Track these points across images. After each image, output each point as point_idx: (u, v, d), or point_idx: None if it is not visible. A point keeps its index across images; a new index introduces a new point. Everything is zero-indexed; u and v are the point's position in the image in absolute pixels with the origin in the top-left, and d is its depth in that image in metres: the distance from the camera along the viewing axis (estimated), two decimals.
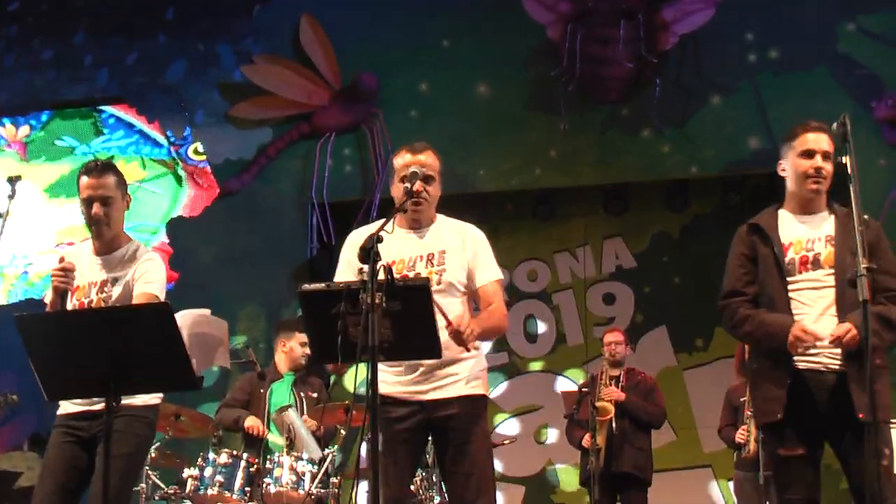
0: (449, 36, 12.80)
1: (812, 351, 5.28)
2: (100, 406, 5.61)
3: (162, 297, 5.80)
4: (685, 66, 12.28)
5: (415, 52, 12.78)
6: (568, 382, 12.32)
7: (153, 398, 5.99)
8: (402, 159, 5.65)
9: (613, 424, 9.45)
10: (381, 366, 5.34)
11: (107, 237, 6.03)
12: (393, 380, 5.49)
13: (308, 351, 8.68)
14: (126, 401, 5.49)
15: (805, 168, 5.51)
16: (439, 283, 5.49)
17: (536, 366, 12.90)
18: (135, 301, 5.75)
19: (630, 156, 12.30)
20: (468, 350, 5.33)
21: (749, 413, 9.11)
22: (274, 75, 13.06)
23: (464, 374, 5.50)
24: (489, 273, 5.68)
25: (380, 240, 4.78)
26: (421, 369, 5.46)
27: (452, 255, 5.60)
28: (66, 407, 5.85)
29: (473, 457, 5.41)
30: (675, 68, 12.26)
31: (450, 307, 5.35)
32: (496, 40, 12.55)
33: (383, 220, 5.56)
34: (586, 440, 9.42)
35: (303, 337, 8.84)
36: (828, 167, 5.50)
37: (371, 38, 12.83)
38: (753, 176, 12.02)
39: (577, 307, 12.96)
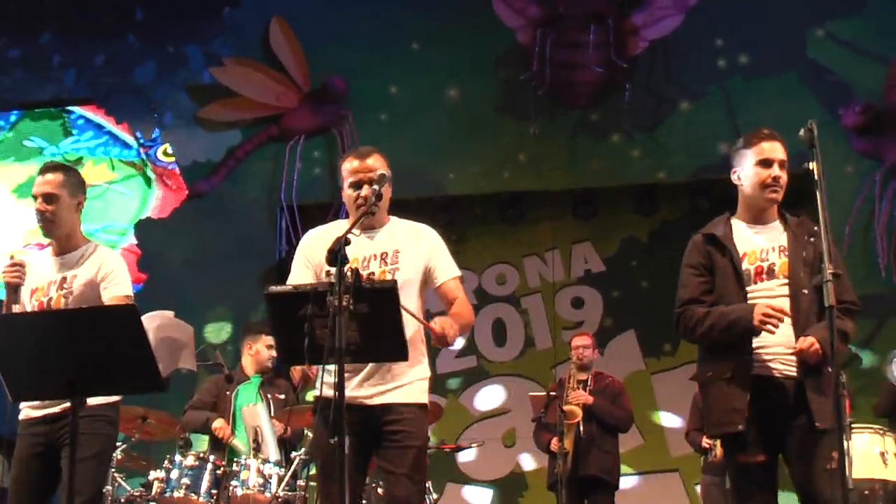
0: (419, 39, 12.80)
1: (765, 358, 5.29)
2: (60, 408, 5.65)
3: (131, 294, 5.85)
4: (655, 71, 12.33)
5: (385, 55, 12.77)
6: (536, 386, 12.31)
7: (113, 397, 5.95)
8: (348, 165, 5.64)
9: (581, 428, 9.45)
10: (329, 370, 5.38)
11: (56, 235, 6.01)
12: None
13: (274, 353, 8.70)
14: (89, 401, 5.47)
15: (764, 177, 5.49)
16: (394, 280, 5.46)
17: (505, 369, 12.90)
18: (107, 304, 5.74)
19: (599, 160, 12.34)
20: (450, 345, 5.38)
21: None
22: (243, 77, 13.04)
23: (407, 381, 5.48)
24: (448, 271, 5.67)
25: (347, 242, 4.78)
26: (362, 374, 5.43)
27: (406, 254, 5.59)
28: (27, 412, 5.84)
29: (413, 459, 5.41)
30: (645, 73, 12.30)
31: (407, 305, 5.34)
32: (466, 44, 12.57)
33: (339, 221, 5.60)
34: (554, 444, 9.42)
35: (269, 339, 8.83)
36: (784, 176, 5.50)
37: (341, 41, 12.82)
38: (723, 181, 11.87)
39: (545, 311, 12.98)
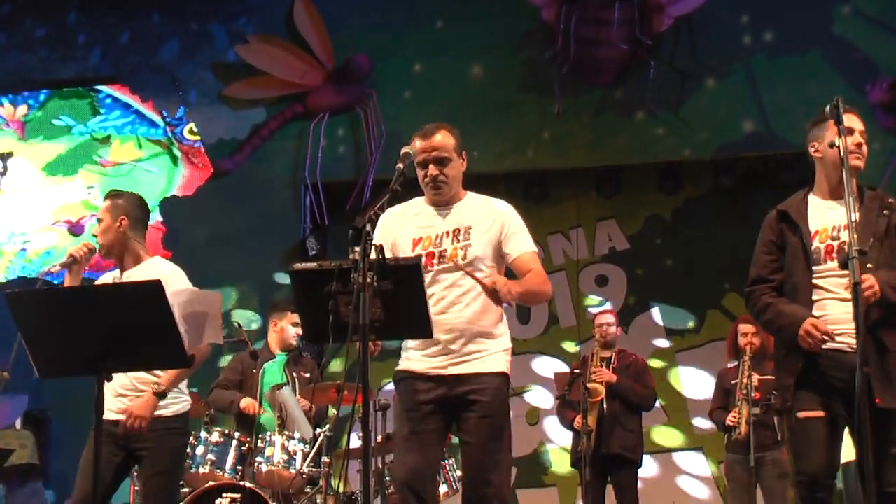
0: (443, 17, 12.78)
1: (839, 330, 5.24)
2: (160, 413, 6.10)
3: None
4: (680, 48, 12.27)
5: (408, 34, 12.77)
6: (560, 364, 12.33)
7: (182, 405, 6.33)
8: (415, 144, 5.63)
9: (604, 406, 9.45)
10: (407, 343, 5.54)
11: (111, 257, 6.42)
12: (417, 356, 5.52)
13: (300, 331, 8.73)
14: (156, 412, 6.00)
15: (848, 145, 5.41)
16: (464, 258, 5.50)
17: (529, 347, 12.91)
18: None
19: (624, 138, 12.30)
20: (508, 304, 5.47)
21: (741, 396, 9.12)
22: (267, 55, 13.04)
23: (487, 352, 5.52)
24: (522, 245, 5.66)
25: (371, 220, 4.79)
26: (442, 345, 5.45)
27: (478, 231, 5.59)
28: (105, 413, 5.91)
29: (493, 430, 5.43)
30: (669, 51, 12.25)
31: (475, 284, 5.42)
32: (490, 22, 12.54)
33: (417, 199, 5.66)
34: (577, 421, 9.43)
35: (294, 317, 8.85)
36: (865, 146, 5.48)
37: (365, 19, 12.82)
38: (747, 159, 12.04)
39: (569, 289, 12.97)
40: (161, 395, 6.06)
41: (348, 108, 12.82)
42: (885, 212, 5.34)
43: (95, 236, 6.33)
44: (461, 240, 5.57)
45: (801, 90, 11.17)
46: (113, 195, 6.45)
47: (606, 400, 9.44)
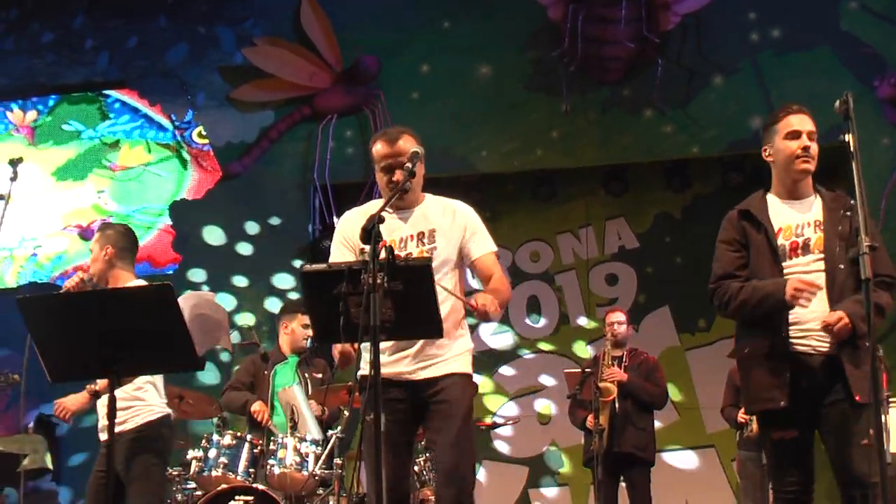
0: (450, 17, 12.77)
1: (800, 334, 5.29)
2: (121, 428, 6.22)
3: None
4: (687, 45, 12.26)
5: (416, 34, 12.77)
6: (571, 363, 12.32)
7: (150, 414, 6.50)
8: (378, 148, 5.64)
9: (616, 405, 9.46)
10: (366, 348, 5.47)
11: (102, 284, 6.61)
12: (383, 360, 5.51)
13: (310, 332, 8.74)
14: (121, 427, 6.18)
15: (793, 149, 5.49)
16: (428, 257, 5.49)
17: (540, 347, 12.91)
18: None
19: (632, 136, 12.29)
20: (492, 320, 5.47)
21: None
22: (275, 58, 13.05)
23: (450, 354, 5.58)
24: (484, 245, 5.72)
25: (381, 220, 4.79)
26: (408, 350, 5.52)
27: (442, 233, 5.63)
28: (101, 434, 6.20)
29: (457, 428, 5.47)
30: (676, 48, 12.24)
31: (446, 283, 5.43)
32: (497, 21, 12.54)
33: (375, 201, 5.62)
34: (589, 421, 9.43)
35: (305, 319, 8.87)
36: (814, 147, 5.49)
37: (372, 20, 12.82)
38: (755, 156, 11.88)
39: (579, 288, 12.97)
40: (95, 394, 6.34)
41: (356, 110, 12.82)
42: (846, 213, 5.35)
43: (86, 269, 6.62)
44: (426, 243, 5.62)
45: (810, 86, 11.14)
46: (102, 227, 6.79)
47: (618, 399, 9.45)
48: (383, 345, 5.46)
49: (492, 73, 12.58)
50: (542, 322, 12.96)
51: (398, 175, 5.53)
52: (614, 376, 9.52)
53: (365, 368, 5.50)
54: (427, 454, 8.52)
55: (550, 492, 12.52)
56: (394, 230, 5.57)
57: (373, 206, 5.71)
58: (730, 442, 10.67)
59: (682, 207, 12.83)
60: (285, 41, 13.06)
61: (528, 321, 12.93)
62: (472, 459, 5.62)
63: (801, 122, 5.53)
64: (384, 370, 5.45)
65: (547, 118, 12.37)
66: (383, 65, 12.77)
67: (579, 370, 9.75)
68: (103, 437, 6.13)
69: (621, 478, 9.64)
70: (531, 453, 12.54)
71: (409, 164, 5.33)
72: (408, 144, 5.60)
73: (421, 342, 5.50)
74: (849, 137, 5.06)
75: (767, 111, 11.66)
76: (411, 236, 5.63)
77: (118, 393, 6.15)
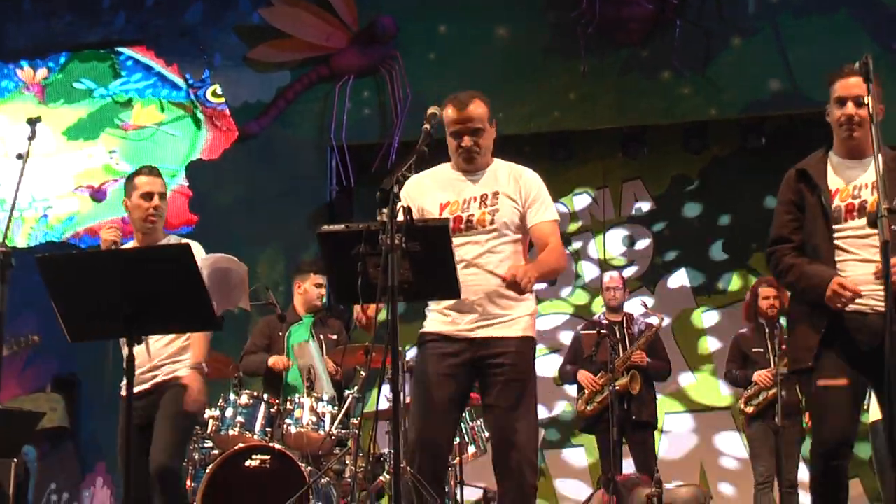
0: None
1: (863, 291, 5.21)
2: (151, 384, 6.39)
3: None
4: (706, 7, 12.18)
5: None
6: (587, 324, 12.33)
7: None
8: (448, 114, 5.64)
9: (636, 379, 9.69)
10: (431, 307, 5.59)
11: (158, 231, 6.56)
12: (442, 319, 5.55)
13: (323, 292, 8.81)
14: (166, 376, 6.36)
15: (837, 116, 5.46)
16: (492, 223, 5.54)
17: (555, 308, 12.92)
18: None
19: (650, 98, 12.24)
20: (527, 293, 5.40)
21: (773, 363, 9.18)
22: (292, 17, 13.00)
23: (514, 315, 5.54)
24: (544, 213, 5.68)
25: (399, 182, 4.79)
26: (467, 308, 5.49)
27: (506, 197, 5.62)
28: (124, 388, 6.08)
29: (519, 393, 5.47)
30: (695, 9, 12.16)
31: (501, 249, 5.46)
32: None
33: (442, 165, 5.72)
34: (588, 379, 9.73)
35: (318, 278, 8.93)
36: (861, 112, 5.41)
37: None
38: (774, 118, 11.96)
39: (596, 249, 12.96)
40: (199, 367, 6.36)
41: (373, 71, 12.79)
42: (882, 167, 5.30)
43: (157, 209, 6.49)
44: (489, 205, 5.60)
45: (828, 48, 11.08)
46: (158, 172, 6.66)
47: (635, 374, 9.65)
48: (444, 304, 5.50)
49: (510, 35, 12.53)
50: (558, 283, 12.95)
51: (467, 141, 5.56)
52: (636, 361, 9.70)
53: (425, 327, 5.58)
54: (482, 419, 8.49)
55: (566, 453, 12.54)
56: (459, 191, 5.60)
57: (441, 169, 5.78)
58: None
59: (699, 169, 12.79)
60: (303, 1, 13.01)
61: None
62: (534, 425, 5.58)
63: (845, 87, 5.44)
64: (443, 328, 5.48)
65: (565, 80, 12.32)
66: (401, 26, 12.73)
67: (595, 332, 9.77)
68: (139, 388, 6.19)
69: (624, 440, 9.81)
70: (546, 414, 12.56)
71: (426, 126, 5.29)
72: (478, 109, 5.63)
73: (484, 302, 5.47)
74: (867, 99, 5.04)
75: (786, 73, 11.67)
76: (474, 197, 5.62)
77: (168, 347, 6.40)
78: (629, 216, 12.98)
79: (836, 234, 5.35)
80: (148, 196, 6.45)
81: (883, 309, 5.12)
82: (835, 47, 11.04)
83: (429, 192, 5.62)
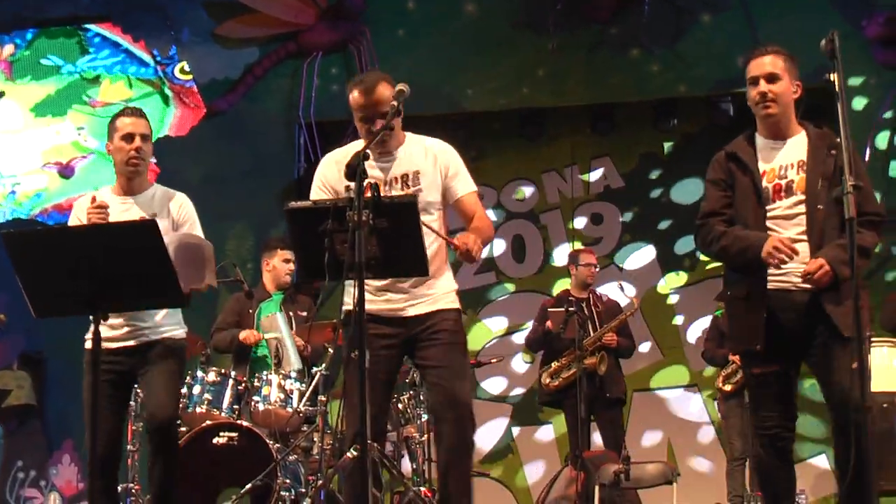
0: None
1: (780, 273, 5.33)
2: (135, 342, 6.19)
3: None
4: None
5: None
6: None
7: (179, 332, 6.42)
8: (355, 97, 5.64)
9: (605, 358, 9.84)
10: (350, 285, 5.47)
11: (141, 175, 6.37)
12: (373, 298, 5.54)
13: (291, 267, 8.79)
14: (154, 336, 6.20)
15: (751, 96, 5.54)
16: (413, 195, 5.53)
17: (524, 285, 12.93)
18: None
19: (619, 75, 12.24)
20: (476, 261, 5.48)
21: None
22: None
23: (439, 292, 5.68)
24: (466, 185, 5.77)
25: (367, 157, 4.78)
26: (397, 291, 5.59)
27: (426, 175, 5.67)
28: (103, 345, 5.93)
29: (453, 354, 5.60)
30: None
31: (431, 224, 5.46)
32: None
33: (354, 143, 5.65)
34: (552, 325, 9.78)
35: (284, 254, 8.93)
36: (775, 89, 5.48)
37: None
38: (742, 95, 11.91)
39: (564, 227, 12.96)
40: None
41: (342, 47, 12.73)
42: (831, 151, 5.34)
43: (139, 151, 6.29)
44: (411, 185, 5.65)
45: (798, 25, 11.08)
46: (144, 113, 6.50)
47: (606, 352, 9.82)
48: (372, 283, 5.50)
49: (478, 11, 12.49)
50: (527, 261, 12.95)
51: (377, 124, 5.53)
52: (608, 342, 9.87)
53: (350, 304, 5.49)
54: (411, 391, 8.57)
55: (534, 430, 12.57)
56: (378, 173, 5.60)
57: (352, 147, 5.74)
58: (713, 381, 10.72)
59: (668, 146, 12.81)
60: None
61: (512, 260, 12.92)
62: (468, 385, 5.73)
63: (759, 66, 5.57)
64: (373, 307, 5.48)
65: (534, 56, 12.30)
66: (369, 2, 12.68)
67: (563, 309, 9.79)
68: (109, 345, 6.09)
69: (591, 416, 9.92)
70: (515, 392, 12.59)
71: (394, 103, 5.29)
72: (385, 92, 5.59)
73: (409, 283, 5.56)
74: (834, 77, 5.06)
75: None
76: (395, 179, 5.66)
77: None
78: (598, 193, 12.98)
79: (766, 215, 5.43)
80: (129, 137, 6.28)
81: (808, 286, 5.30)
82: (804, 24, 11.05)
83: (341, 173, 5.51)
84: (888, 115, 11.41)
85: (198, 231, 6.27)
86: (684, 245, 12.53)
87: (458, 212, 5.77)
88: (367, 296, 5.43)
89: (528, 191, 13.04)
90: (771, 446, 5.44)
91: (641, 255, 12.70)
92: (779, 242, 5.23)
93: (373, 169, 5.56)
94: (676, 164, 12.71)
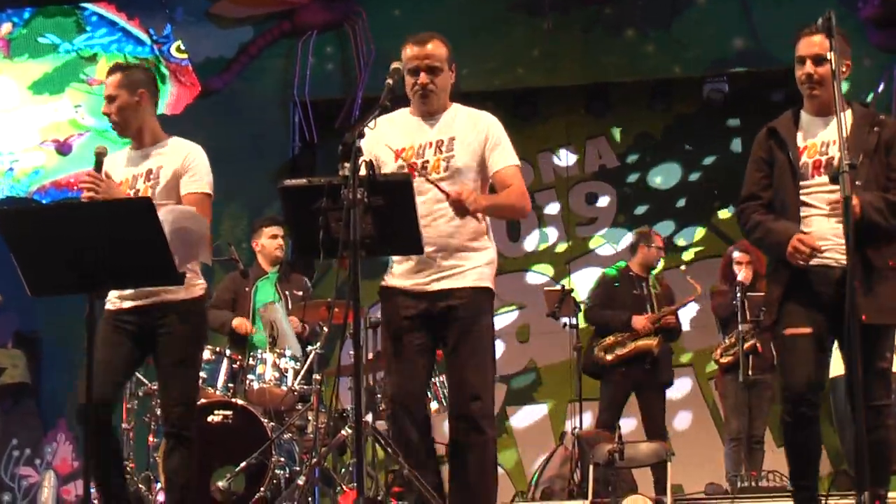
0: None
1: (825, 246, 5.28)
2: (150, 301, 5.84)
3: (210, 193, 6.03)
4: None
5: None
6: (550, 282, 12.37)
7: (201, 288, 6.08)
8: (407, 51, 5.57)
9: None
10: (391, 259, 5.56)
11: (128, 134, 6.15)
12: (400, 271, 5.52)
13: (280, 242, 8.82)
14: (170, 296, 5.82)
15: (798, 75, 5.50)
16: (446, 169, 5.45)
17: (518, 265, 12.93)
18: (183, 201, 5.89)
19: (614, 55, 12.24)
20: (471, 216, 5.35)
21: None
22: None
23: (469, 266, 5.51)
24: (505, 158, 5.61)
25: (361, 135, 4.78)
26: (428, 261, 5.44)
27: (462, 142, 5.54)
28: (116, 303, 5.91)
29: (476, 343, 5.47)
30: None
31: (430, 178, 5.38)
32: None
33: (403, 109, 5.60)
34: (641, 323, 9.63)
35: (270, 230, 8.95)
36: (820, 70, 5.44)
37: None
38: (737, 75, 11.98)
39: (559, 207, 12.97)
40: None
41: (337, 26, 12.72)
42: (875, 128, 5.35)
43: (108, 114, 6.07)
44: (444, 151, 5.53)
45: (792, 6, 11.09)
46: (119, 68, 6.23)
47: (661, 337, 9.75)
48: (399, 258, 5.49)
49: None
50: (521, 240, 12.96)
51: (423, 78, 5.48)
52: (669, 324, 9.80)
53: (386, 280, 5.55)
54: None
55: (528, 409, 12.59)
56: (414, 136, 5.54)
57: (400, 114, 5.65)
58: (707, 361, 10.74)
59: (663, 127, 12.82)
60: None
61: (507, 239, 12.93)
62: (490, 375, 5.58)
63: (805, 45, 5.46)
64: (399, 282, 5.47)
65: (529, 36, 12.30)
66: None
67: (558, 288, 9.79)
68: (123, 304, 5.91)
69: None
70: (510, 371, 12.59)
71: (389, 81, 5.28)
72: (437, 49, 5.55)
73: (440, 254, 5.44)
74: (830, 55, 5.06)
75: (749, 31, 11.68)
76: (430, 143, 5.55)
77: None
78: (593, 173, 12.99)
79: (802, 190, 5.40)
80: (107, 99, 6.12)
81: (843, 262, 5.19)
82: (799, 6, 11.04)
83: (385, 137, 5.48)
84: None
85: (201, 182, 6.03)
86: (678, 225, 12.55)
87: (495, 184, 5.63)
88: (396, 269, 5.51)
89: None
90: (795, 411, 5.37)
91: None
92: (798, 243, 5.22)
93: (415, 128, 5.56)
94: (671, 144, 12.71)
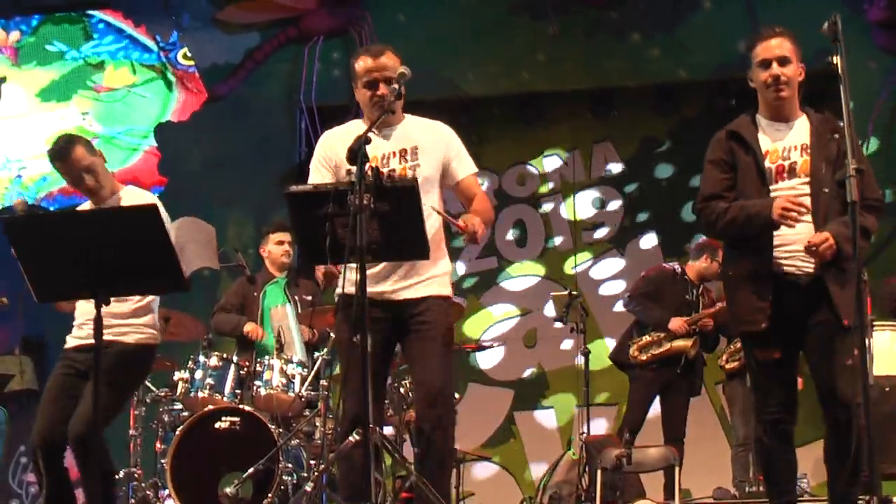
0: None
1: (785, 255, 5.31)
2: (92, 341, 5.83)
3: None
4: None
5: None
6: (557, 287, 12.35)
7: (144, 336, 6.30)
8: (362, 63, 5.61)
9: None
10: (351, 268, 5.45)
11: (102, 196, 6.26)
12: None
13: (287, 248, 8.81)
14: (117, 338, 6.07)
15: (763, 78, 5.50)
16: (414, 178, 5.45)
17: (525, 270, 12.93)
18: None
19: (619, 59, 12.24)
20: (479, 243, 5.49)
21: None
22: None
23: (430, 275, 5.57)
24: (467, 166, 5.73)
25: (368, 141, 4.79)
26: (388, 270, 5.50)
27: (425, 151, 5.61)
28: (69, 341, 6.28)
29: (438, 349, 5.51)
30: None
31: (428, 202, 5.37)
32: None
33: (354, 122, 5.60)
34: (679, 324, 9.56)
35: (276, 236, 8.91)
36: (787, 72, 5.46)
37: None
38: (742, 79, 11.90)
39: (566, 211, 12.96)
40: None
41: (342, 31, 12.73)
42: (835, 135, 5.35)
43: (91, 187, 6.19)
44: (409, 160, 5.59)
45: (798, 9, 11.07)
46: (72, 143, 6.27)
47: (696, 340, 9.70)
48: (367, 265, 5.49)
49: None
50: (528, 246, 12.96)
51: (382, 89, 5.50)
52: (706, 326, 9.69)
53: (345, 287, 5.44)
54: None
55: (536, 414, 12.58)
56: (376, 147, 5.46)
57: (352, 126, 5.71)
58: (713, 365, 10.72)
59: (668, 131, 12.80)
60: None
61: (513, 245, 12.92)
62: (452, 380, 5.66)
63: (768, 48, 5.52)
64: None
65: (533, 41, 12.31)
66: None
67: (566, 293, 9.78)
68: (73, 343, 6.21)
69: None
70: (516, 376, 12.59)
71: (395, 85, 5.31)
72: (391, 60, 5.58)
73: (401, 265, 5.48)
74: (837, 60, 5.06)
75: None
76: (394, 153, 5.60)
77: (120, 305, 6.13)
78: (599, 178, 12.98)
79: (770, 195, 5.39)
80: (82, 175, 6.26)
81: (810, 271, 5.30)
82: (804, 8, 11.02)
83: (343, 150, 5.31)
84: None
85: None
86: (685, 229, 12.52)
87: (458, 194, 5.73)
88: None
89: (528, 173, 13.03)
90: (773, 431, 5.43)
91: (643, 240, 12.69)
92: (787, 202, 5.22)
93: (373, 140, 5.54)
94: (677, 148, 12.70)
